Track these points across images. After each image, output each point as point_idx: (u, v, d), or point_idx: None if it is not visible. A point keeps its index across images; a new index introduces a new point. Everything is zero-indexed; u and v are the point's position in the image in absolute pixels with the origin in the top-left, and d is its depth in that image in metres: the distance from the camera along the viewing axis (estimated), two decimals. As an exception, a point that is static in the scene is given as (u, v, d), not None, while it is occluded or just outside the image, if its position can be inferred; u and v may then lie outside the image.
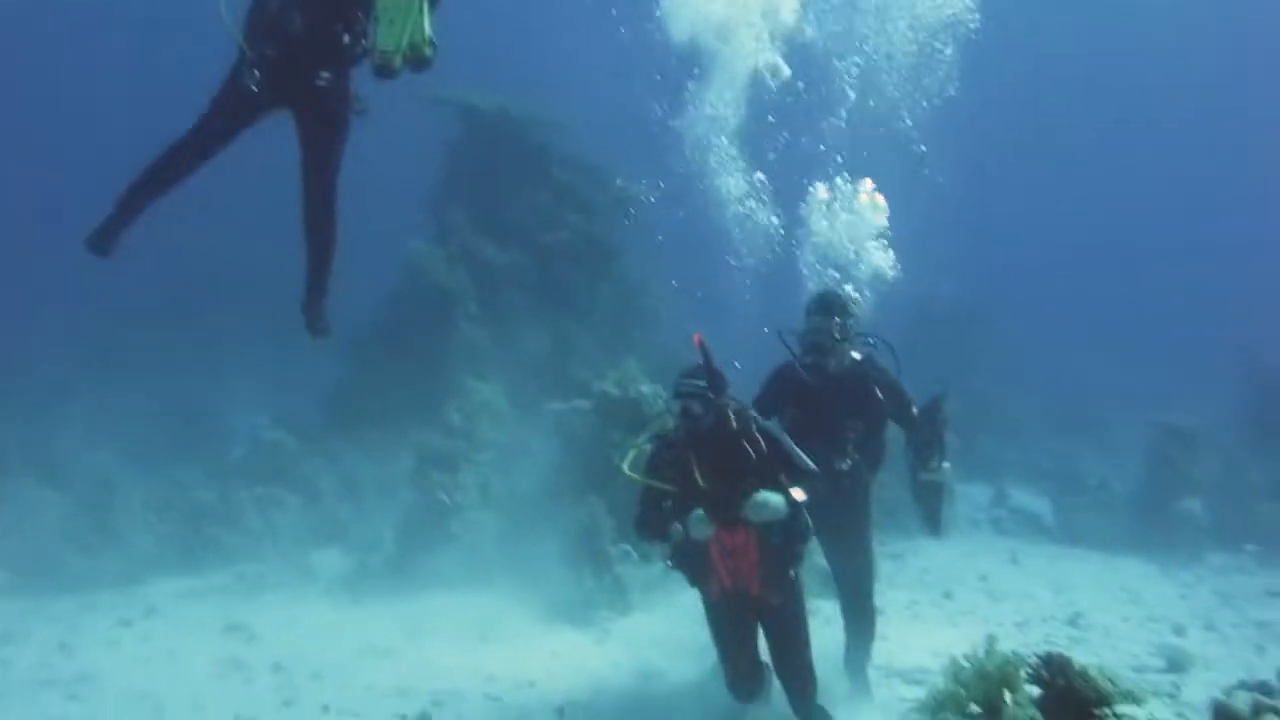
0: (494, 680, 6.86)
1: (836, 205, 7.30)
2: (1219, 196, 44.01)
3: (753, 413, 5.23)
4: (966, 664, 3.48)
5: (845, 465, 5.85)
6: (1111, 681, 3.39)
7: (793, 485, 4.95)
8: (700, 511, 4.90)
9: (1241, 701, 2.94)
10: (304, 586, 9.22)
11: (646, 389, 9.46)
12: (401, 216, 15.96)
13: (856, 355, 6.02)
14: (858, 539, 6.13)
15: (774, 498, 4.85)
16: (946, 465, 6.00)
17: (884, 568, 9.49)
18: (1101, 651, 7.78)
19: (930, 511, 6.09)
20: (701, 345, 5.06)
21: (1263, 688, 5.93)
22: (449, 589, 8.88)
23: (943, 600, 9.28)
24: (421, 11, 4.67)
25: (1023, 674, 3.46)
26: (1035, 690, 3.45)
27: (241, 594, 8.91)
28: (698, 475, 4.99)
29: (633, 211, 14.52)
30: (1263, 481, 13.68)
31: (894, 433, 6.25)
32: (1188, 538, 11.67)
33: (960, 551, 11.34)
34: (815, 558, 6.43)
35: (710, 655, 6.87)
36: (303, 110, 4.92)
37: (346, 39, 4.74)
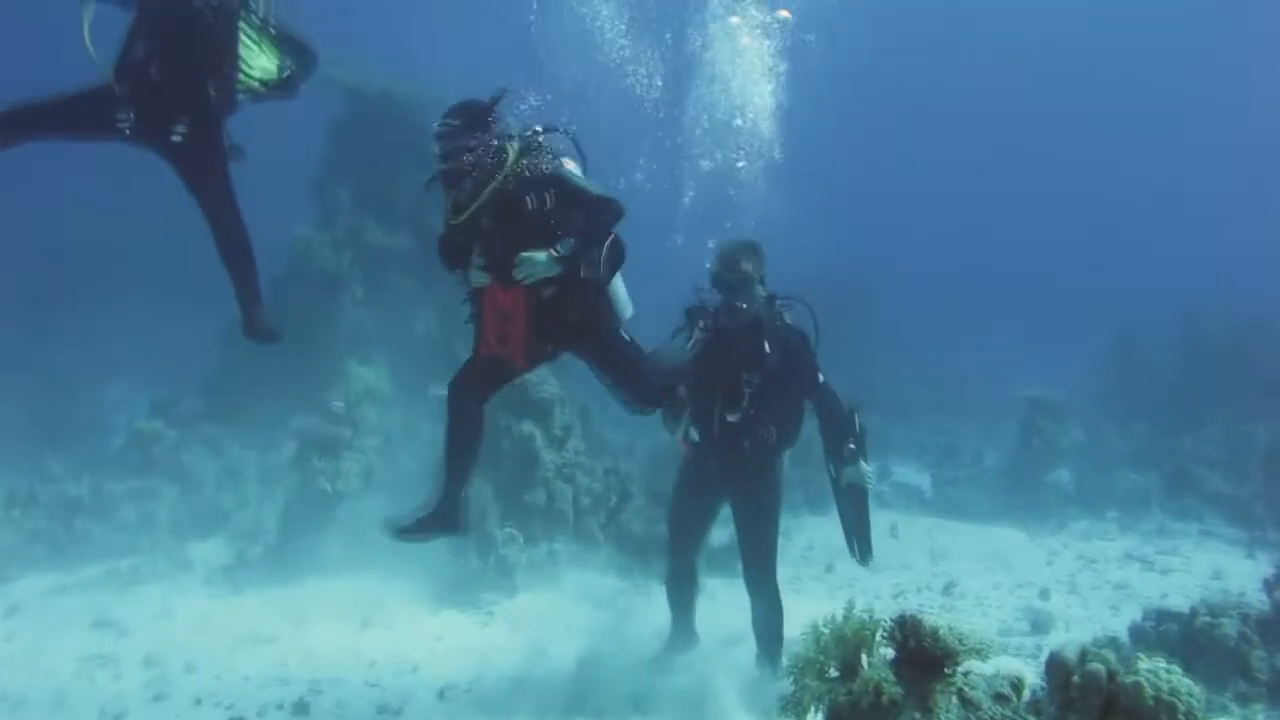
0: (375, 665, 6.82)
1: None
2: (1096, 183, 45.87)
3: (550, 153, 4.76)
4: (825, 629, 3.60)
5: (734, 417, 5.62)
6: (959, 639, 3.53)
7: (589, 230, 4.68)
8: (480, 260, 4.77)
9: (1071, 651, 3.13)
10: (180, 578, 8.94)
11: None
12: (284, 199, 15.54)
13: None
14: (762, 513, 5.86)
15: (539, 255, 4.57)
16: (867, 468, 5.75)
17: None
18: (972, 617, 8.15)
19: (858, 527, 5.84)
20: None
21: (1112, 644, 6.32)
22: (332, 575, 8.74)
23: (824, 574, 9.54)
24: (265, 54, 5.01)
25: (878, 637, 3.58)
26: (890, 652, 3.58)
27: (113, 589, 8.58)
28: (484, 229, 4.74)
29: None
30: (1124, 450, 14.46)
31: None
32: (1056, 506, 12.24)
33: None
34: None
35: (594, 634, 7.02)
36: (168, 158, 5.02)
37: (211, 90, 4.89)
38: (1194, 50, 41.16)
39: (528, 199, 4.64)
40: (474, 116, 4.60)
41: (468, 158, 4.57)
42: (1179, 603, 7.32)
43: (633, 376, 5.17)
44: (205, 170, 5.12)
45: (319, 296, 13.37)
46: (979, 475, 13.53)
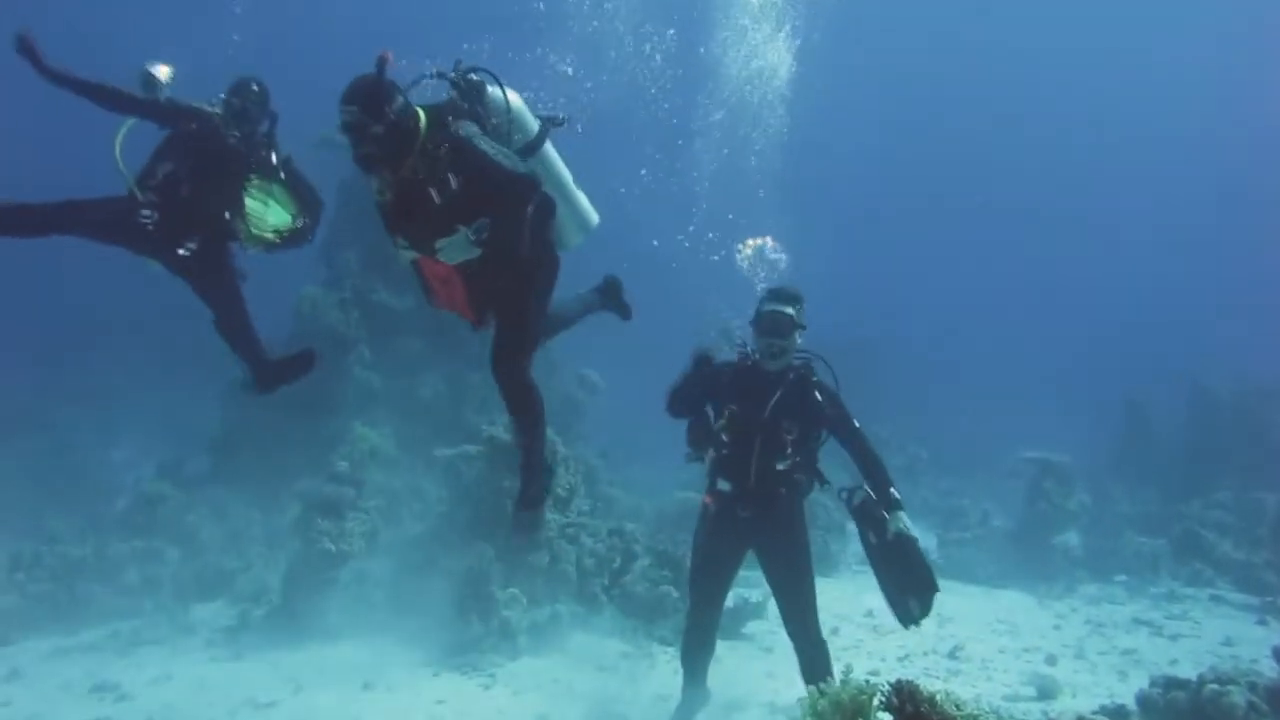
0: (375, 730, 6.76)
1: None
2: (1104, 246, 46.26)
3: (460, 121, 4.36)
4: (822, 696, 3.59)
5: (783, 465, 5.61)
6: (957, 706, 3.52)
7: (499, 216, 4.34)
8: (403, 241, 4.56)
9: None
10: (182, 641, 8.91)
11: (537, 432, 9.45)
12: (292, 259, 15.72)
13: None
14: (797, 561, 5.79)
15: (456, 239, 4.31)
16: (905, 518, 5.47)
17: (773, 606, 9.62)
18: (977, 681, 8.05)
19: (911, 580, 5.48)
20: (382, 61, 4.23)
21: (1119, 712, 6.25)
22: (335, 638, 8.71)
23: (830, 637, 9.35)
24: (278, 205, 5.35)
25: (875, 702, 3.57)
26: (887, 718, 3.57)
27: (114, 652, 8.57)
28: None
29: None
30: (1132, 514, 14.37)
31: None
32: (1064, 570, 12.14)
33: (850, 588, 11.53)
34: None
35: (598, 700, 6.96)
36: (175, 269, 5.46)
37: (227, 215, 5.40)
38: (1200, 125, 41.96)
39: (438, 182, 4.30)
40: (369, 98, 4.14)
41: (372, 148, 4.19)
42: (1188, 670, 7.24)
43: (526, 336, 4.80)
44: (211, 284, 5.58)
45: (326, 357, 13.42)
46: (986, 537, 13.43)
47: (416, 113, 4.25)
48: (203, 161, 5.35)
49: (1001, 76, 45.83)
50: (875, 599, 10.82)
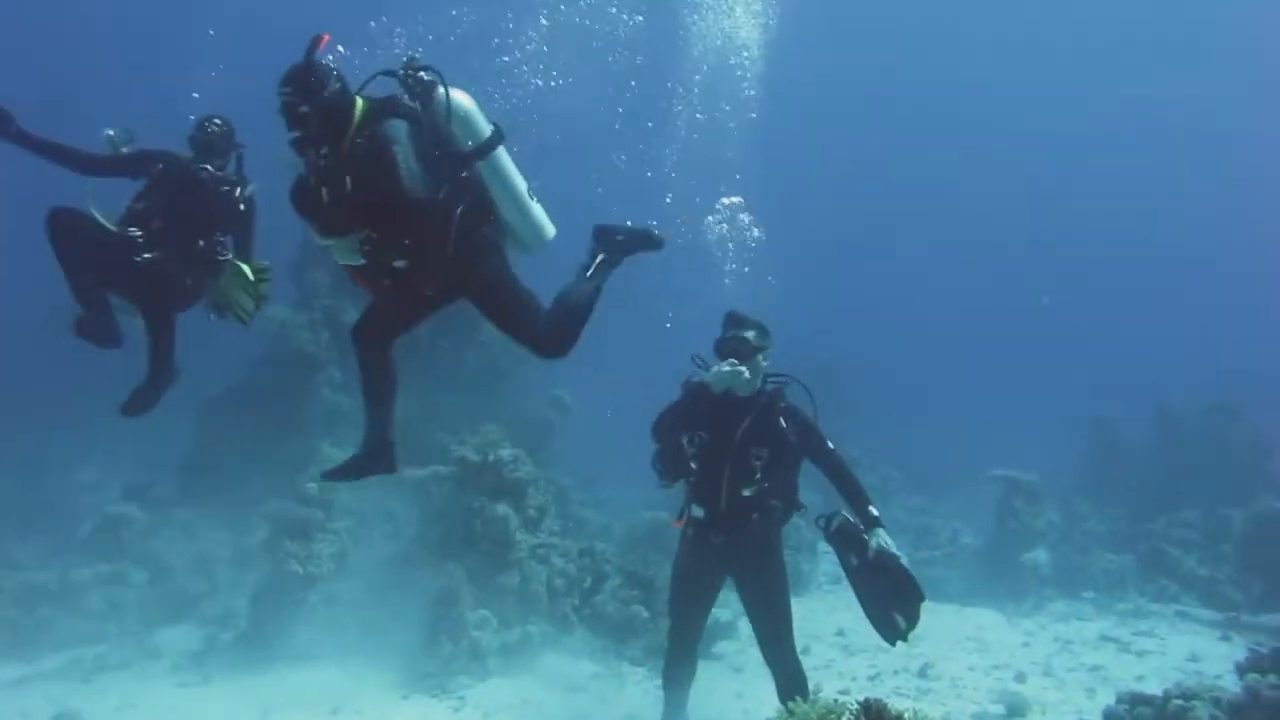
0: (343, 755, 6.69)
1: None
2: (1072, 267, 46.85)
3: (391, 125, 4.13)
4: (792, 714, 3.60)
5: (749, 491, 5.56)
6: (924, 724, 3.55)
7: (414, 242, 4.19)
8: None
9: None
10: (147, 666, 8.78)
11: (506, 453, 9.44)
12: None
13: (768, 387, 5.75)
14: (773, 586, 5.78)
15: (345, 241, 4.19)
16: (885, 535, 5.40)
17: (745, 626, 9.62)
18: (947, 700, 8.08)
19: (897, 596, 5.36)
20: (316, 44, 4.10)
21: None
22: (303, 662, 8.63)
23: (800, 656, 9.41)
24: (243, 287, 5.67)
25: (844, 720, 3.59)
26: (856, 736, 3.58)
27: (77, 679, 8.42)
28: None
29: None
30: (1100, 532, 14.51)
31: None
32: (1033, 587, 12.22)
33: (821, 607, 11.57)
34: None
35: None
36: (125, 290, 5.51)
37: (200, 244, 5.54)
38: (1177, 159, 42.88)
39: (351, 174, 4.10)
40: (299, 80, 4.03)
41: (301, 130, 4.05)
42: (1154, 686, 7.31)
43: (521, 323, 4.60)
44: (159, 311, 5.63)
45: (295, 378, 13.34)
46: (956, 555, 13.53)
47: (352, 100, 4.15)
48: (172, 196, 5.46)
49: (969, 99, 46.53)
50: (846, 618, 10.97)
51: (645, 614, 9.06)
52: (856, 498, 5.64)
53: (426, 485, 9.86)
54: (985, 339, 40.35)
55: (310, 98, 3.99)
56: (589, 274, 4.83)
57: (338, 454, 10.17)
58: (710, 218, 7.41)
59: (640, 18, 9.20)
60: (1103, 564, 12.78)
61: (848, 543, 5.52)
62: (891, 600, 5.51)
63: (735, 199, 7.40)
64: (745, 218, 7.59)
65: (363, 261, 4.21)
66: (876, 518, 5.54)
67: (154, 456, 14.45)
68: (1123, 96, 43.98)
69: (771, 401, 5.71)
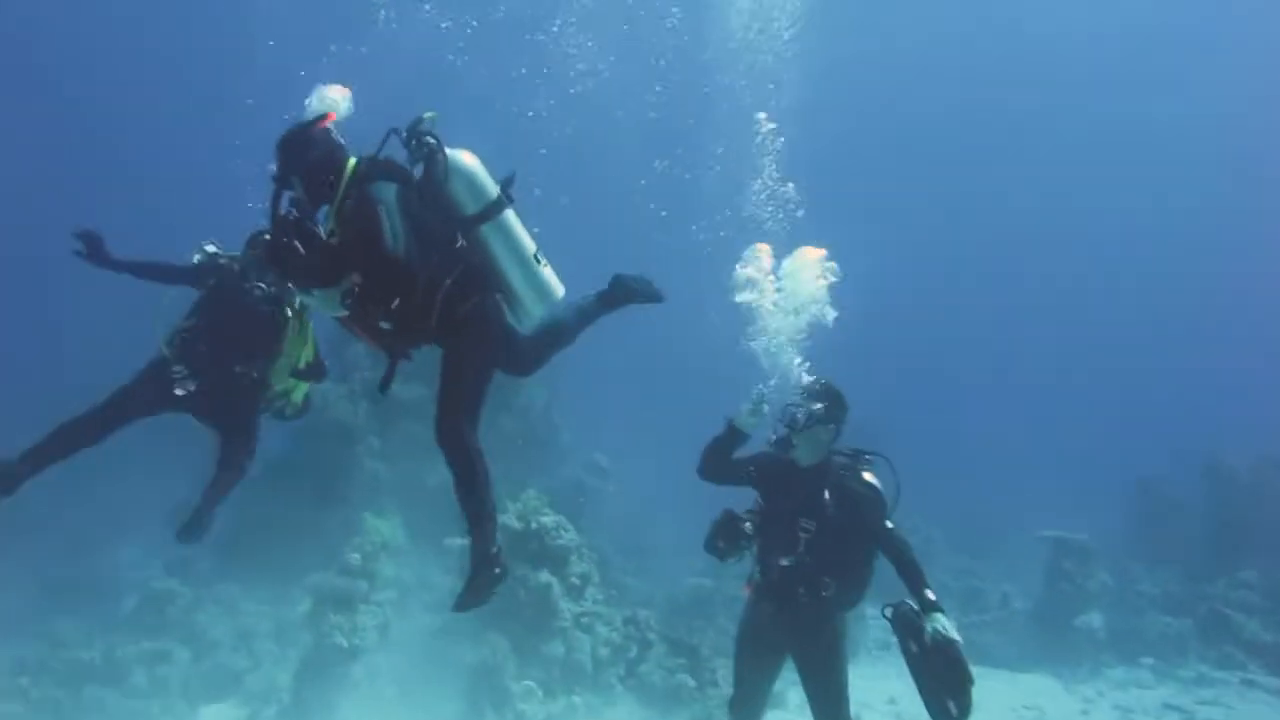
0: (389, 832, 6.57)
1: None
2: (1118, 323, 46.44)
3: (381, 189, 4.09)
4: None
5: (787, 561, 5.38)
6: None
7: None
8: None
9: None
10: (191, 744, 8.74)
11: (549, 520, 9.39)
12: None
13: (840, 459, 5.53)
14: (824, 667, 5.54)
15: (326, 293, 4.18)
16: (944, 620, 5.02)
17: (794, 695, 9.42)
18: (1008, 770, 7.83)
19: (950, 684, 4.89)
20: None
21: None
22: (346, 736, 8.54)
23: (852, 725, 9.21)
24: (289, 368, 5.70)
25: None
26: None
27: (121, 757, 8.39)
28: None
29: None
30: (1154, 594, 14.12)
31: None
32: (1088, 652, 11.89)
33: (872, 673, 11.32)
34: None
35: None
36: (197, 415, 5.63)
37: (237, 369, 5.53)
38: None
39: (339, 229, 4.07)
40: (287, 146, 4.05)
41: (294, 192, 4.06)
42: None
43: (451, 407, 4.38)
44: (230, 434, 5.71)
45: (334, 449, 13.44)
46: (1007, 619, 13.19)
47: (344, 161, 4.09)
48: (220, 315, 5.47)
49: (1010, 154, 46.31)
50: (898, 686, 10.72)
51: (691, 683, 8.91)
52: (913, 581, 5.45)
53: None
54: (1029, 396, 39.91)
55: (296, 165, 4.01)
56: (584, 307, 4.88)
57: (381, 524, 10.23)
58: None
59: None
60: (1160, 627, 12.43)
61: (908, 629, 5.38)
62: (943, 686, 5.36)
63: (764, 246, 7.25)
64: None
65: (345, 312, 4.17)
66: (934, 602, 5.35)
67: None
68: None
69: (837, 476, 5.58)
